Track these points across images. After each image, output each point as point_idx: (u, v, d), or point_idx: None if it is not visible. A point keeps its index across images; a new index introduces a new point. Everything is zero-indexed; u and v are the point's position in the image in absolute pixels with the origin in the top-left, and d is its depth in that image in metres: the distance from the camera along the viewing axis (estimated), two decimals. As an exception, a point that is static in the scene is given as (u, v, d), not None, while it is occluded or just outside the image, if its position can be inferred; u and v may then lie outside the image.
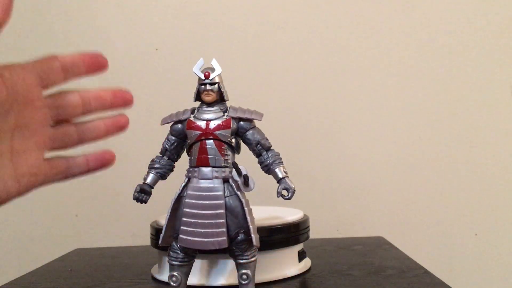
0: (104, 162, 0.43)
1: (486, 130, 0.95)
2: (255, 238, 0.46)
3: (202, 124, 0.48)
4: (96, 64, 0.39)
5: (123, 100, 0.40)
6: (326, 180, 0.95)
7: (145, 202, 0.49)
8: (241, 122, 0.49)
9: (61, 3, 0.96)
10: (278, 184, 0.48)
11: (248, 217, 0.47)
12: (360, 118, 0.95)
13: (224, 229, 0.46)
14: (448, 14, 0.95)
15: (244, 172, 0.47)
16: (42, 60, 0.37)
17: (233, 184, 0.47)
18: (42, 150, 0.38)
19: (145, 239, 0.63)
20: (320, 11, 0.96)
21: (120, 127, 0.41)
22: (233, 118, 0.49)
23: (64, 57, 0.38)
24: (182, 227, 0.47)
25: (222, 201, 0.47)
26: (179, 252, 0.48)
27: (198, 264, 0.54)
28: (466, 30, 0.95)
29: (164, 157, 0.51)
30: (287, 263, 0.59)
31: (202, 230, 0.46)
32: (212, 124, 0.48)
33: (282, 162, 0.49)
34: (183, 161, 0.52)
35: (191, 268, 0.49)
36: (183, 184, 0.48)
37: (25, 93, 0.35)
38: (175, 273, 0.48)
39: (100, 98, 0.40)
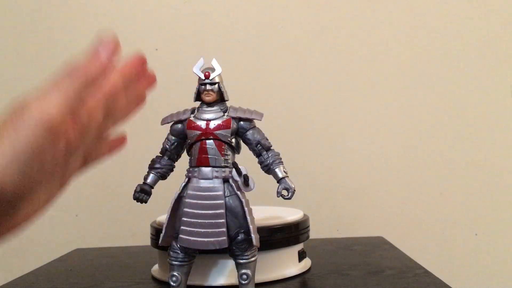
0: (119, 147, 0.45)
1: (486, 130, 0.95)
2: (255, 238, 0.46)
3: (202, 124, 0.48)
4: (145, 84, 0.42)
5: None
6: (326, 180, 0.95)
7: (145, 202, 0.49)
8: (241, 122, 0.49)
9: (61, 3, 0.96)
10: (278, 184, 0.48)
11: (248, 217, 0.47)
12: (361, 118, 0.95)
13: (224, 229, 0.46)
14: (448, 14, 0.95)
15: (244, 172, 0.47)
16: (110, 93, 0.38)
17: (233, 184, 0.47)
18: (87, 157, 0.39)
19: (145, 239, 0.63)
20: (321, 11, 0.96)
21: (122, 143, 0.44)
22: (233, 118, 0.49)
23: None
24: (182, 227, 0.47)
25: (222, 201, 0.47)
26: (179, 252, 0.48)
27: (198, 264, 0.54)
28: (466, 30, 0.95)
29: (164, 157, 0.51)
30: (287, 263, 0.59)
31: (202, 230, 0.46)
32: (212, 124, 0.48)
33: (282, 162, 0.49)
34: (183, 161, 0.52)
35: (191, 268, 0.49)
36: (183, 184, 0.48)
37: (94, 129, 0.36)
38: (175, 273, 0.48)
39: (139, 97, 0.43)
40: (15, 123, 0.32)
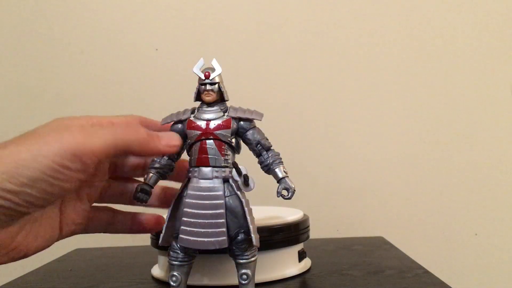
0: (150, 227, 0.45)
1: (486, 130, 0.95)
2: (255, 238, 0.46)
3: (202, 124, 0.48)
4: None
5: None
6: (326, 180, 0.95)
7: (145, 202, 0.49)
8: (241, 122, 0.49)
9: (61, 3, 0.96)
10: (278, 184, 0.48)
11: (248, 217, 0.47)
12: (361, 118, 0.95)
13: (224, 229, 0.46)
14: (448, 13, 0.95)
15: (244, 172, 0.47)
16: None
17: (233, 184, 0.47)
18: (91, 201, 0.39)
19: (145, 239, 0.63)
20: (321, 10, 0.96)
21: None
22: (233, 118, 0.49)
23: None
24: (182, 227, 0.47)
25: (222, 201, 0.47)
26: (179, 252, 0.48)
27: (198, 264, 0.54)
28: (466, 30, 0.95)
29: (164, 157, 0.51)
30: (287, 263, 0.59)
31: (202, 230, 0.46)
32: (212, 124, 0.48)
33: (282, 162, 0.49)
34: (183, 161, 0.52)
35: (191, 268, 0.49)
36: (183, 184, 0.48)
37: (102, 167, 0.36)
38: (175, 273, 0.48)
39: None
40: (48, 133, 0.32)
